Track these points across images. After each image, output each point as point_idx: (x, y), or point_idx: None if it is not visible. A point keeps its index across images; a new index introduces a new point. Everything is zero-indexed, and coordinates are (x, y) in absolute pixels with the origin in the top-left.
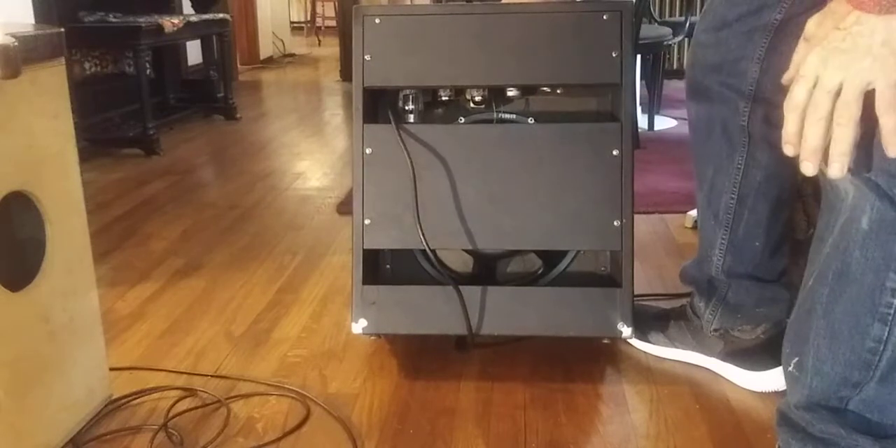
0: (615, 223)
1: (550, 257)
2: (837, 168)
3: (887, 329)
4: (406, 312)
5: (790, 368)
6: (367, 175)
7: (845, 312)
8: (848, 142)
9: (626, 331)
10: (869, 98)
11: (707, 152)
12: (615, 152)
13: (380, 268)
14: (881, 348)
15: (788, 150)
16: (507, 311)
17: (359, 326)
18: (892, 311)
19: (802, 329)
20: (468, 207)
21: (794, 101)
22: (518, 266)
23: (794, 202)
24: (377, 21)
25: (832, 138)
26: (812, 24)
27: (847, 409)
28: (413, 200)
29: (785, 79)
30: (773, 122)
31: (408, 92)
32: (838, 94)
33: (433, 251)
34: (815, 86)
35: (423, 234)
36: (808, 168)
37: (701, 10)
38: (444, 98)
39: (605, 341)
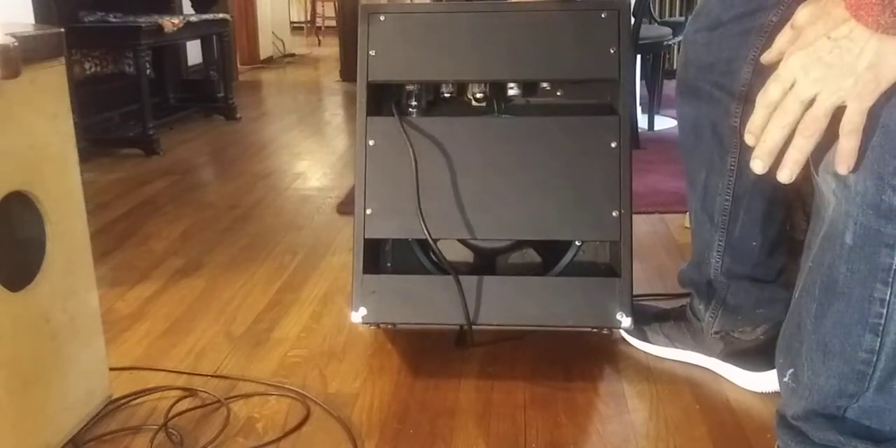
0: (613, 214)
1: (550, 253)
2: (787, 174)
3: (879, 339)
4: (405, 302)
5: (785, 379)
6: (369, 166)
7: (835, 325)
8: (805, 153)
9: (625, 321)
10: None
11: (699, 155)
12: (613, 144)
13: (380, 259)
14: (874, 359)
15: (749, 140)
16: (506, 302)
17: (358, 315)
18: (882, 322)
19: (794, 343)
20: (469, 198)
21: (767, 98)
22: (517, 263)
23: (794, 202)
24: (382, 18)
25: (791, 145)
26: (804, 16)
27: (845, 416)
28: (415, 191)
29: (765, 59)
30: None
31: (411, 88)
32: (810, 104)
33: (434, 241)
34: (791, 88)
35: (424, 224)
36: (757, 165)
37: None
38: (446, 95)
39: (605, 332)
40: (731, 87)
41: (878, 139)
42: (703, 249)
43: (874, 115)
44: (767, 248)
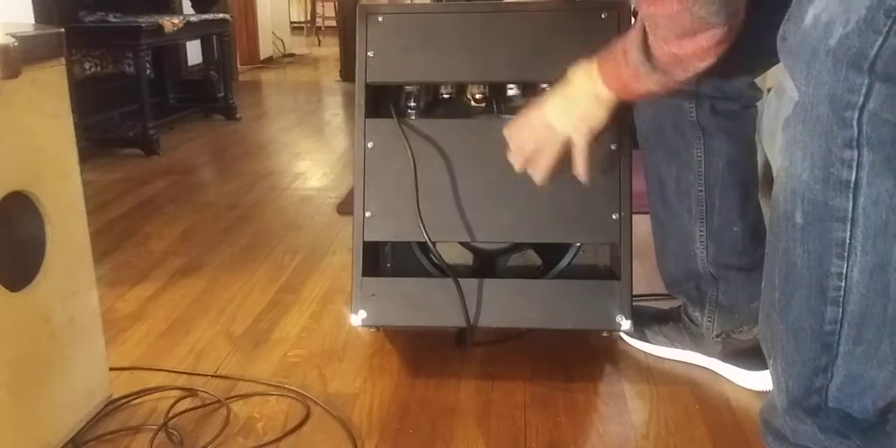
0: (613, 216)
1: (550, 255)
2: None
3: (840, 308)
4: (405, 305)
5: (770, 368)
6: (368, 169)
7: (801, 310)
8: None
9: (624, 323)
10: None
11: (664, 151)
12: (613, 146)
13: (380, 264)
14: (838, 328)
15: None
16: (506, 304)
17: (358, 318)
18: (841, 293)
19: (767, 332)
20: (468, 201)
21: None
22: (518, 263)
23: (758, 191)
24: (380, 19)
25: None
26: None
27: (827, 405)
28: (414, 193)
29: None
30: (721, 112)
31: (410, 89)
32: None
33: (433, 244)
34: None
35: (423, 227)
36: None
37: None
38: (445, 96)
39: (604, 334)
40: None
41: (824, 109)
42: (686, 242)
43: (821, 83)
44: (750, 232)
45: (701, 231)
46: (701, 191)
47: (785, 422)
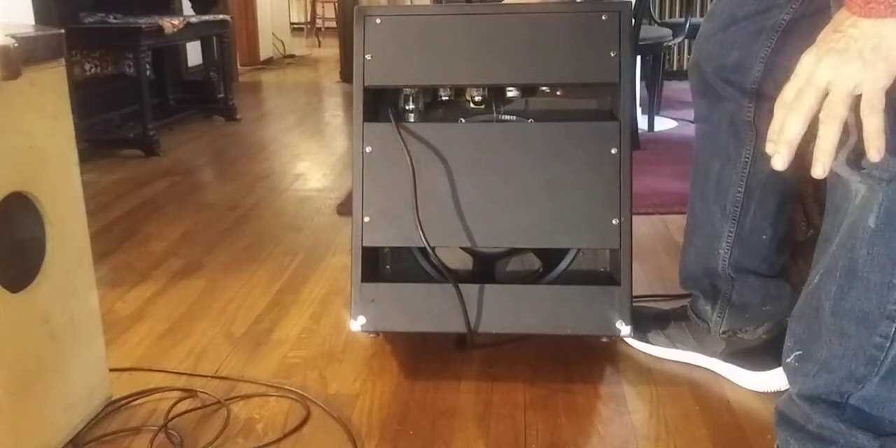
0: (614, 221)
1: (550, 257)
2: (819, 168)
3: (894, 326)
4: (405, 310)
5: (789, 360)
6: (366, 173)
7: (853, 309)
8: (830, 140)
9: (624, 329)
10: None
11: (715, 144)
12: (614, 151)
13: (379, 266)
14: (888, 345)
15: (769, 148)
16: (506, 310)
17: (357, 324)
18: None
19: (811, 325)
20: (467, 206)
21: (783, 98)
22: (517, 266)
23: (795, 203)
24: (378, 21)
25: (817, 136)
26: (821, 33)
27: (847, 403)
28: (413, 198)
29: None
30: None
31: (408, 92)
32: (827, 92)
33: (433, 249)
34: (805, 83)
35: (422, 232)
36: (777, 160)
37: (701, 12)
38: (444, 98)
39: (604, 340)
40: (742, 83)
41: None
42: (712, 239)
43: (891, 100)
44: (776, 243)
45: (730, 232)
46: (740, 192)
47: (803, 408)
